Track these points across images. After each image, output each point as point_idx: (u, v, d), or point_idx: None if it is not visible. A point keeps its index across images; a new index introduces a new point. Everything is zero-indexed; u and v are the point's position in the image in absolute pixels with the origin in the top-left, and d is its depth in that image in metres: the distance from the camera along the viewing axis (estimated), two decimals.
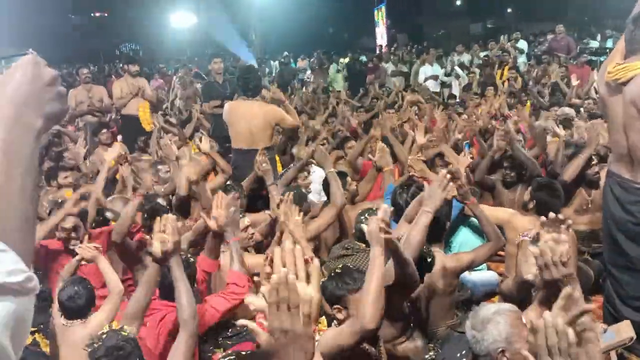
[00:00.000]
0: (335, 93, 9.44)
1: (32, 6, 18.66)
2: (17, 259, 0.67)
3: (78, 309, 2.53)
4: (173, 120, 6.78)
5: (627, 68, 2.56)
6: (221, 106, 5.33)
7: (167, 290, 2.52)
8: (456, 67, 10.84)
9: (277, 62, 15.61)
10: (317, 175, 4.60)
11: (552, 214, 1.94)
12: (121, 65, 13.33)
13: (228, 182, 4.33)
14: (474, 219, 3.76)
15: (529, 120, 5.46)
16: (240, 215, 3.30)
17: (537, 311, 1.94)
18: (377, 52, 16.14)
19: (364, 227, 2.08)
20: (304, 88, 11.06)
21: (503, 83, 8.63)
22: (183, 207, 3.89)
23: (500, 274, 3.71)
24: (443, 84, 10.90)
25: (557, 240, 1.84)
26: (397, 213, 3.30)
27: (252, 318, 1.19)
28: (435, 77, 10.75)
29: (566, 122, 5.29)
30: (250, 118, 4.63)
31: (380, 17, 19.79)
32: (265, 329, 1.04)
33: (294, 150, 5.26)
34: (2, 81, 0.80)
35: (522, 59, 11.08)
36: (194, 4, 24.27)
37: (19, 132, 0.77)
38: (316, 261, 1.09)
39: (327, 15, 24.10)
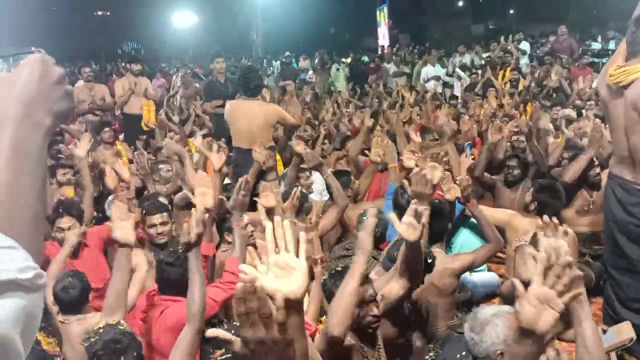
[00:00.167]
0: (337, 93, 9.44)
1: (33, 5, 18.70)
2: (27, 256, 0.68)
3: (71, 301, 2.50)
4: (175, 118, 6.78)
5: (628, 71, 2.56)
6: (223, 105, 5.33)
7: (166, 285, 2.53)
8: (457, 69, 10.83)
9: (278, 62, 15.61)
10: (318, 175, 4.60)
11: (546, 218, 1.95)
12: (123, 64, 13.35)
13: (227, 182, 4.34)
14: (474, 220, 3.77)
15: (535, 120, 5.47)
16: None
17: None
18: (379, 52, 16.14)
19: (356, 232, 2.08)
20: (305, 88, 11.06)
21: (505, 84, 8.62)
22: (191, 204, 3.88)
23: (501, 276, 3.71)
24: (445, 85, 10.90)
25: (556, 247, 1.82)
26: (399, 214, 3.31)
27: None
28: (437, 78, 10.75)
29: (568, 124, 5.30)
30: (250, 117, 4.64)
31: (383, 17, 19.80)
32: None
33: (292, 142, 5.26)
34: (9, 79, 0.80)
35: (524, 60, 11.07)
36: (196, 3, 24.30)
37: (27, 130, 0.78)
38: (303, 234, 1.09)
39: (329, 15, 24.12)
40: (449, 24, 23.50)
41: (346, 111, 7.40)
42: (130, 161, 5.18)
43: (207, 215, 2.47)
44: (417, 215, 2.08)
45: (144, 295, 2.58)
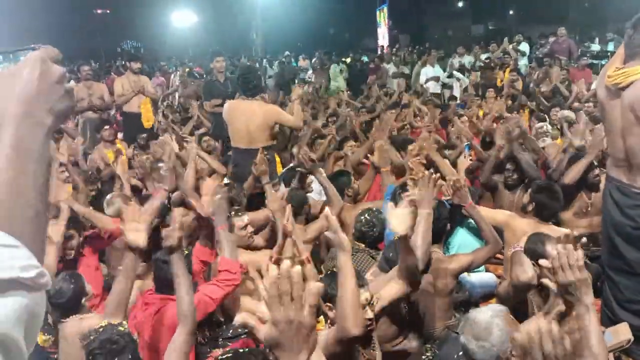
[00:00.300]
0: (337, 95, 9.44)
1: (33, 4, 18.68)
2: (29, 255, 0.68)
3: (63, 305, 2.49)
4: (173, 118, 6.78)
5: (626, 73, 2.56)
6: (222, 105, 5.32)
7: (162, 284, 2.53)
8: (454, 72, 10.83)
9: (277, 62, 15.62)
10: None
11: (564, 231, 1.90)
12: (122, 62, 13.34)
13: (226, 182, 4.33)
14: (472, 221, 3.77)
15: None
16: (240, 214, 3.31)
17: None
18: (379, 52, 16.15)
19: (329, 234, 2.03)
20: (305, 87, 11.06)
21: (503, 87, 8.62)
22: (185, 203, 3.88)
23: (498, 276, 3.72)
24: (444, 86, 10.91)
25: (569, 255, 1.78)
26: None
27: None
28: (436, 79, 10.76)
29: (568, 126, 5.29)
30: (249, 117, 4.63)
31: (382, 17, 19.83)
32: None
33: (294, 150, 5.26)
34: (10, 75, 0.80)
35: (523, 62, 11.08)
36: (196, 3, 24.30)
37: (28, 129, 0.77)
38: (320, 285, 1.07)
39: (329, 15, 24.13)
40: (449, 25, 23.54)
41: (347, 111, 7.39)
42: (129, 160, 5.18)
43: (190, 221, 2.47)
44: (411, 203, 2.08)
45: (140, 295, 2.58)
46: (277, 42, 21.68)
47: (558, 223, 3.83)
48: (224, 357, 1.78)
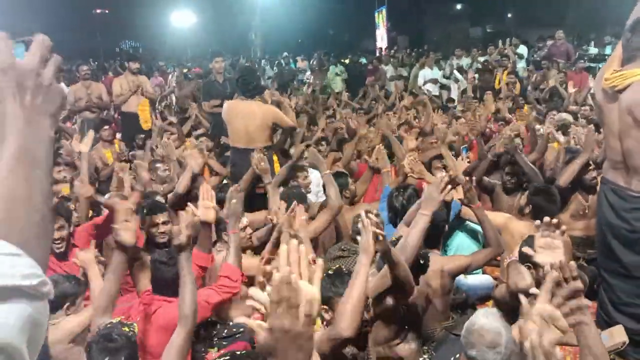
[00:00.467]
0: (335, 95, 9.45)
1: (33, 4, 18.66)
2: (32, 263, 0.68)
3: None
4: (173, 119, 6.78)
5: (624, 75, 2.57)
6: (221, 105, 5.33)
7: (160, 285, 2.52)
8: (455, 72, 10.86)
9: (275, 63, 15.64)
10: (315, 176, 4.61)
11: (547, 218, 1.95)
12: (120, 62, 13.32)
13: (225, 182, 4.34)
14: (470, 223, 3.78)
15: (531, 121, 5.48)
16: None
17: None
18: (377, 54, 16.17)
19: (359, 238, 2.09)
20: (304, 88, 11.07)
21: (500, 89, 8.65)
22: (178, 205, 3.89)
23: (495, 278, 3.72)
24: (442, 87, 10.93)
25: (551, 245, 1.85)
26: (394, 215, 3.32)
27: (248, 317, 1.19)
28: (434, 81, 10.77)
29: (564, 128, 5.31)
30: (248, 117, 4.64)
31: (381, 19, 19.84)
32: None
33: (292, 151, 5.27)
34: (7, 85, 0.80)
35: (521, 64, 11.11)
36: (195, 3, 24.29)
37: (32, 137, 0.79)
38: (320, 261, 1.09)
39: (328, 16, 24.14)
40: (448, 27, 23.57)
41: (344, 111, 7.40)
42: (127, 160, 5.18)
43: (198, 221, 2.48)
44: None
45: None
46: (277, 43, 21.69)
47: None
48: (221, 359, 1.78)
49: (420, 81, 10.82)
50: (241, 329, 2.72)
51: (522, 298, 1.51)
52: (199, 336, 2.66)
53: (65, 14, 23.90)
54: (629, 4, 2.81)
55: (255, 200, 4.18)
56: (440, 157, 4.70)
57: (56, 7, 22.59)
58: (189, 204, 2.76)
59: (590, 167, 3.95)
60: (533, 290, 1.87)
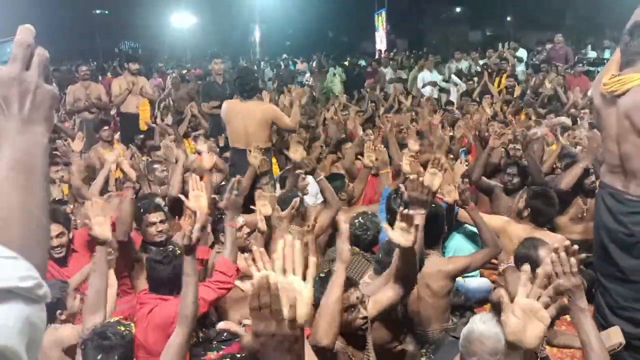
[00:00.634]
0: (334, 97, 9.45)
1: (32, 4, 18.64)
2: (29, 267, 0.67)
3: None
4: (167, 120, 6.79)
5: (622, 80, 2.57)
6: (220, 107, 5.33)
7: (156, 284, 2.52)
8: (453, 76, 10.86)
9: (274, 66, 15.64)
10: (312, 178, 4.60)
11: (560, 237, 1.97)
12: (120, 63, 13.30)
13: (222, 184, 4.33)
14: (468, 226, 3.78)
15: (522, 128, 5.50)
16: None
17: None
18: (377, 56, 16.19)
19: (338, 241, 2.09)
20: (304, 90, 11.05)
21: (500, 92, 8.65)
22: (176, 207, 3.89)
23: (493, 282, 3.72)
24: (441, 90, 10.93)
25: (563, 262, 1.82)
26: (392, 218, 3.32)
27: (239, 323, 1.18)
28: (433, 84, 10.78)
29: (563, 132, 5.32)
30: (247, 116, 4.64)
31: (380, 22, 19.86)
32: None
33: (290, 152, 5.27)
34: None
35: (520, 68, 11.12)
36: (195, 4, 24.30)
37: (25, 146, 0.78)
38: (313, 259, 1.09)
39: (327, 18, 24.16)
40: (447, 30, 23.60)
41: (344, 114, 7.40)
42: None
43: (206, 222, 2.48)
44: (408, 219, 2.08)
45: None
46: (276, 44, 21.71)
47: (553, 228, 3.85)
48: None
49: (419, 84, 10.83)
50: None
51: (502, 293, 1.52)
52: (199, 338, 2.66)
53: (65, 15, 23.90)
54: (628, 8, 2.82)
55: (251, 201, 4.17)
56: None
57: (56, 7, 22.61)
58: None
59: (589, 172, 3.96)
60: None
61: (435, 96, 10.39)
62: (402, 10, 22.11)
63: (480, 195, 4.60)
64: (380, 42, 19.76)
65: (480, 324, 1.96)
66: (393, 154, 4.87)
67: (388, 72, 12.43)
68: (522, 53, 11.63)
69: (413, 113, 7.33)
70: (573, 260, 1.78)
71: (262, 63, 16.72)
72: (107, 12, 27.70)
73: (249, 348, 1.02)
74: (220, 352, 2.63)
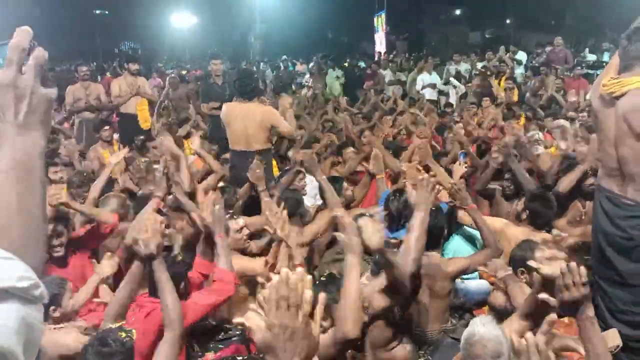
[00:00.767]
0: (335, 99, 9.45)
1: (32, 4, 18.65)
2: (26, 268, 0.68)
3: None
4: (163, 120, 6.79)
5: (622, 83, 2.58)
6: (219, 108, 5.33)
7: (155, 287, 2.52)
8: (451, 79, 10.86)
9: (273, 68, 15.65)
10: (311, 178, 4.61)
11: (555, 232, 2.00)
12: (119, 63, 13.29)
13: (221, 184, 4.33)
14: (467, 228, 3.79)
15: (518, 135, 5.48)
16: (235, 217, 3.31)
17: (519, 323, 1.98)
18: (376, 58, 16.20)
19: (338, 235, 2.07)
20: (304, 92, 11.07)
21: (497, 96, 8.67)
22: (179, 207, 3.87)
23: (491, 284, 3.73)
24: (440, 92, 10.94)
25: (555, 257, 1.86)
26: (390, 220, 3.32)
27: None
28: (432, 86, 10.79)
29: (562, 134, 5.32)
30: (247, 118, 4.64)
31: (380, 23, 19.87)
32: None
33: (290, 154, 5.27)
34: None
35: (519, 70, 11.14)
36: (195, 5, 24.31)
37: (23, 150, 0.79)
38: (301, 269, 1.11)
39: (327, 19, 24.17)
40: (447, 31, 23.61)
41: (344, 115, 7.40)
42: (126, 162, 5.17)
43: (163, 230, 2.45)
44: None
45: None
46: (276, 45, 21.72)
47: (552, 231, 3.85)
48: None
49: (418, 86, 10.84)
50: (237, 332, 2.72)
51: (514, 336, 1.55)
52: (199, 340, 2.65)
53: (65, 15, 23.90)
54: (628, 8, 2.82)
55: (254, 205, 4.17)
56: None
57: (56, 7, 22.61)
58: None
59: (588, 175, 3.95)
60: (542, 295, 1.89)
61: (435, 98, 10.40)
62: (404, 6, 22.09)
63: (480, 200, 4.60)
64: (380, 43, 19.77)
65: (481, 327, 1.96)
66: (387, 163, 4.84)
67: (387, 74, 12.44)
68: (521, 56, 11.65)
69: (412, 116, 7.32)
70: (583, 269, 1.79)
71: (261, 64, 16.73)
72: (107, 12, 27.70)
73: (263, 342, 1.04)
74: (219, 353, 2.64)
